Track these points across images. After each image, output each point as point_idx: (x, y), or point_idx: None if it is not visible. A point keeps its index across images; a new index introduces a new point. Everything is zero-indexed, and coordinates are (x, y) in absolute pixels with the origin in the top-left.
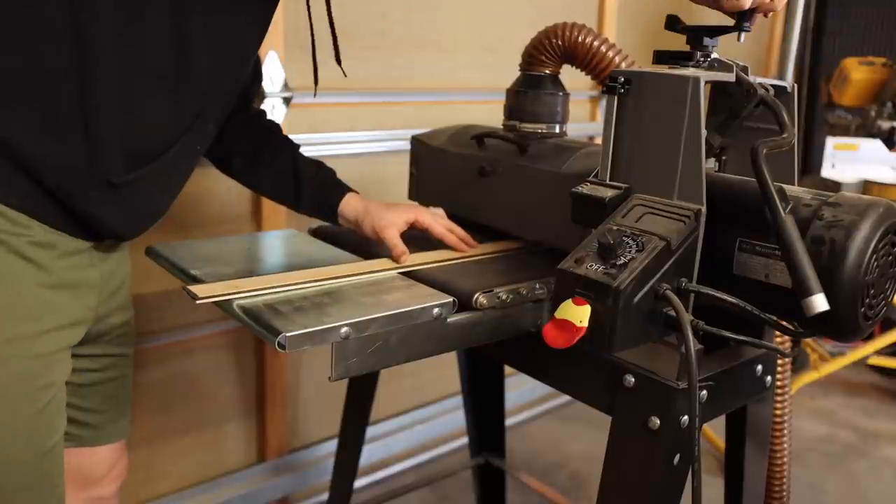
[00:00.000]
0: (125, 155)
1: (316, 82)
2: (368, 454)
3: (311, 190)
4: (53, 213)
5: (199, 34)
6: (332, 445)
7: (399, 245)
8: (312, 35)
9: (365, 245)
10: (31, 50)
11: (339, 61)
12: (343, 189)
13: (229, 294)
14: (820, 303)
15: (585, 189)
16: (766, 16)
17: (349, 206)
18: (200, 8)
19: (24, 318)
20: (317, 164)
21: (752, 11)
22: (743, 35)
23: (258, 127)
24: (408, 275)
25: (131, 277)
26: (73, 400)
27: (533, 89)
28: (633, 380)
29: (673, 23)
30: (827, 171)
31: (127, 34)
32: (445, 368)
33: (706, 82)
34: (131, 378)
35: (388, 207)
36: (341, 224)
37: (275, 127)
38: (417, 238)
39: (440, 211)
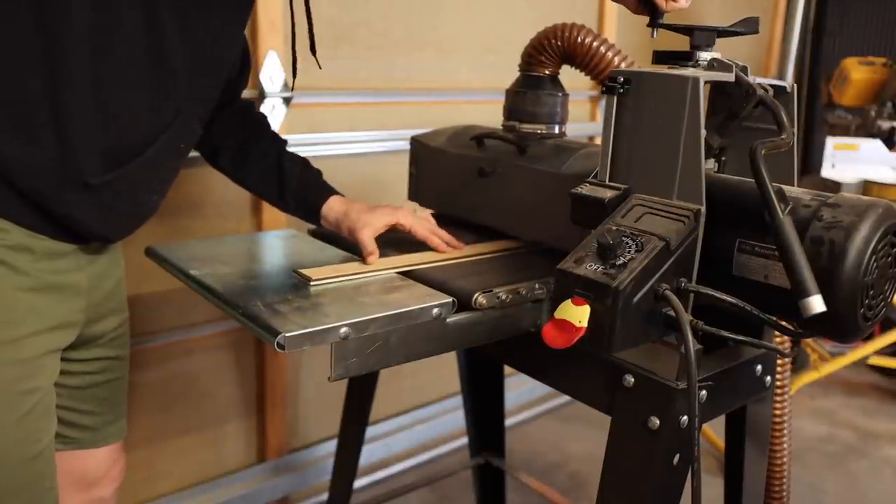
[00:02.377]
0: (101, 155)
1: (294, 75)
2: (368, 454)
3: (295, 190)
4: (30, 215)
5: (173, 32)
6: (332, 445)
7: (369, 245)
8: (293, 25)
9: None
10: None
11: (313, 51)
12: (327, 191)
13: (337, 276)
14: (817, 304)
15: (585, 190)
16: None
17: (331, 209)
18: (174, 6)
19: (2, 324)
20: (302, 164)
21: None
22: (657, 31)
23: (246, 121)
24: (407, 275)
25: (130, 278)
26: (70, 403)
27: (532, 90)
28: (632, 380)
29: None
30: (827, 171)
31: (99, 33)
32: (445, 368)
33: (706, 82)
34: (127, 379)
35: (368, 210)
36: (323, 226)
37: (263, 121)
38: (407, 241)
39: (426, 213)
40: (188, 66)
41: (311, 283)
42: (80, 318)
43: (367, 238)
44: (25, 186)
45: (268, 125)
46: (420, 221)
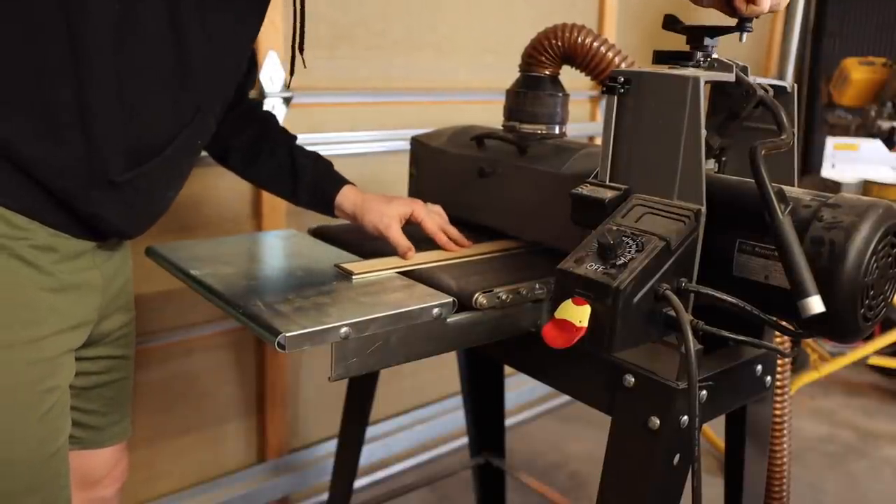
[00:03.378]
0: (125, 153)
1: (292, 72)
2: (368, 454)
3: (308, 183)
4: (55, 214)
5: (193, 29)
6: (332, 445)
7: (403, 242)
8: (295, 23)
9: (363, 241)
10: (23, 49)
11: (301, 50)
12: (340, 181)
13: (378, 269)
14: (815, 305)
15: (585, 190)
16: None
17: (347, 199)
18: (195, 4)
19: (26, 323)
20: (314, 157)
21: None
22: (745, 35)
23: (254, 119)
24: (407, 274)
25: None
26: (75, 402)
27: (532, 90)
28: (632, 380)
29: (672, 23)
30: (827, 171)
31: (120, 32)
32: (445, 368)
33: (706, 82)
34: (132, 379)
35: (386, 202)
36: (338, 216)
37: (271, 118)
38: (413, 235)
39: (438, 208)
40: (206, 61)
41: (354, 278)
42: (94, 317)
43: (398, 236)
44: (52, 186)
45: (276, 122)
46: (432, 216)
